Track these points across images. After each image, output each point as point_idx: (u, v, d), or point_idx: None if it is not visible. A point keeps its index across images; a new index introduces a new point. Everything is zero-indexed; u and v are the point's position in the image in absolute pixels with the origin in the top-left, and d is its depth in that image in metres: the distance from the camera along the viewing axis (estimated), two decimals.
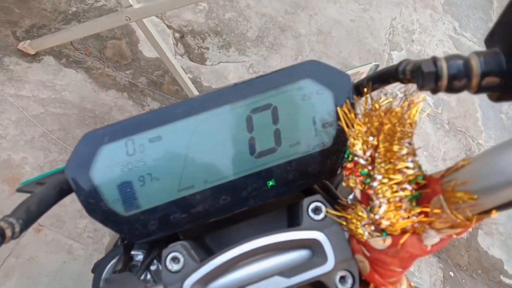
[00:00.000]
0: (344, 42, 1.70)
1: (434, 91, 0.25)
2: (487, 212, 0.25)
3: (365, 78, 0.34)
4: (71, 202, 0.32)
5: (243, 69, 1.48)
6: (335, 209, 0.32)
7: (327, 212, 0.32)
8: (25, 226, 0.28)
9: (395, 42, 1.82)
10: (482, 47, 0.26)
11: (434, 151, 1.68)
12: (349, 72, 0.45)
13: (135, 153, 0.33)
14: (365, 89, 0.33)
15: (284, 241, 0.31)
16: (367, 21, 1.79)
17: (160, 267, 0.32)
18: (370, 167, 0.29)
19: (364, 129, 0.30)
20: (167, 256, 0.31)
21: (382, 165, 0.28)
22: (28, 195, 0.31)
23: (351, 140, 0.30)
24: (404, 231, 0.27)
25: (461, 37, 1.99)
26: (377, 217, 0.28)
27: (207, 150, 0.33)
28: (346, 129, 0.31)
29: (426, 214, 0.26)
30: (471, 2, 2.13)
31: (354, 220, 0.30)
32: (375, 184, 0.28)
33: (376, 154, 0.28)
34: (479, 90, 0.24)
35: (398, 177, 0.27)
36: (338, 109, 0.33)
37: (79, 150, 0.32)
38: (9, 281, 0.99)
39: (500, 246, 1.62)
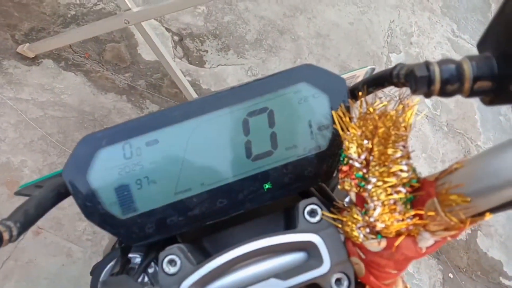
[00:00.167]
0: (342, 44, 1.70)
1: (427, 95, 0.26)
2: (481, 214, 0.25)
3: (360, 82, 0.34)
4: (70, 205, 0.32)
5: (242, 72, 1.49)
6: (331, 212, 0.32)
7: (322, 214, 0.32)
8: (23, 229, 0.29)
9: (393, 44, 1.82)
10: None
11: (433, 153, 1.69)
12: (345, 76, 0.46)
13: (132, 157, 0.33)
14: (360, 93, 0.33)
15: (280, 243, 0.31)
16: (366, 24, 1.80)
17: (158, 270, 0.32)
18: (365, 170, 0.29)
19: (359, 132, 0.30)
20: (164, 259, 0.31)
21: (377, 168, 0.28)
22: (26, 198, 0.31)
23: (346, 143, 0.30)
24: (398, 234, 0.28)
25: (459, 40, 2.00)
26: (371, 219, 0.28)
27: (204, 153, 0.34)
28: (341, 132, 0.31)
29: (421, 217, 0.27)
30: (469, 5, 2.14)
31: (349, 223, 0.30)
32: (369, 187, 0.28)
33: (371, 157, 0.29)
34: (471, 94, 0.25)
35: (393, 180, 0.28)
36: (333, 112, 0.33)
37: (76, 154, 0.33)
38: (8, 284, 0.99)
39: (499, 248, 1.62)
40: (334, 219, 0.32)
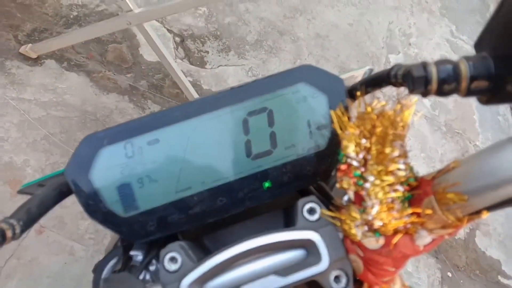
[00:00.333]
0: (342, 45, 1.70)
1: (425, 94, 0.26)
2: (478, 212, 0.25)
3: (358, 82, 0.35)
4: (73, 203, 0.32)
5: (242, 73, 1.49)
6: (330, 210, 0.33)
7: (321, 213, 0.33)
8: (26, 227, 0.29)
9: (392, 45, 1.83)
10: None
11: (431, 152, 1.69)
12: (344, 76, 0.46)
13: (134, 156, 0.33)
14: (358, 93, 0.34)
15: (280, 241, 0.31)
16: (365, 25, 1.80)
17: (159, 267, 0.32)
18: (363, 169, 0.29)
19: (357, 131, 0.30)
20: (165, 256, 0.32)
21: (375, 167, 0.29)
22: (29, 197, 0.32)
23: (344, 142, 0.30)
24: (396, 232, 0.28)
25: (458, 41, 2.00)
26: (370, 217, 0.28)
27: (204, 152, 0.34)
28: (339, 131, 0.32)
29: (418, 215, 0.27)
30: (468, 6, 2.14)
31: (348, 221, 0.30)
32: (367, 185, 0.28)
33: (369, 156, 0.29)
34: (468, 93, 0.25)
35: (390, 179, 0.28)
36: (332, 112, 0.34)
37: (78, 153, 0.33)
38: (11, 283, 0.99)
39: (498, 247, 1.62)
40: (332, 217, 0.32)
